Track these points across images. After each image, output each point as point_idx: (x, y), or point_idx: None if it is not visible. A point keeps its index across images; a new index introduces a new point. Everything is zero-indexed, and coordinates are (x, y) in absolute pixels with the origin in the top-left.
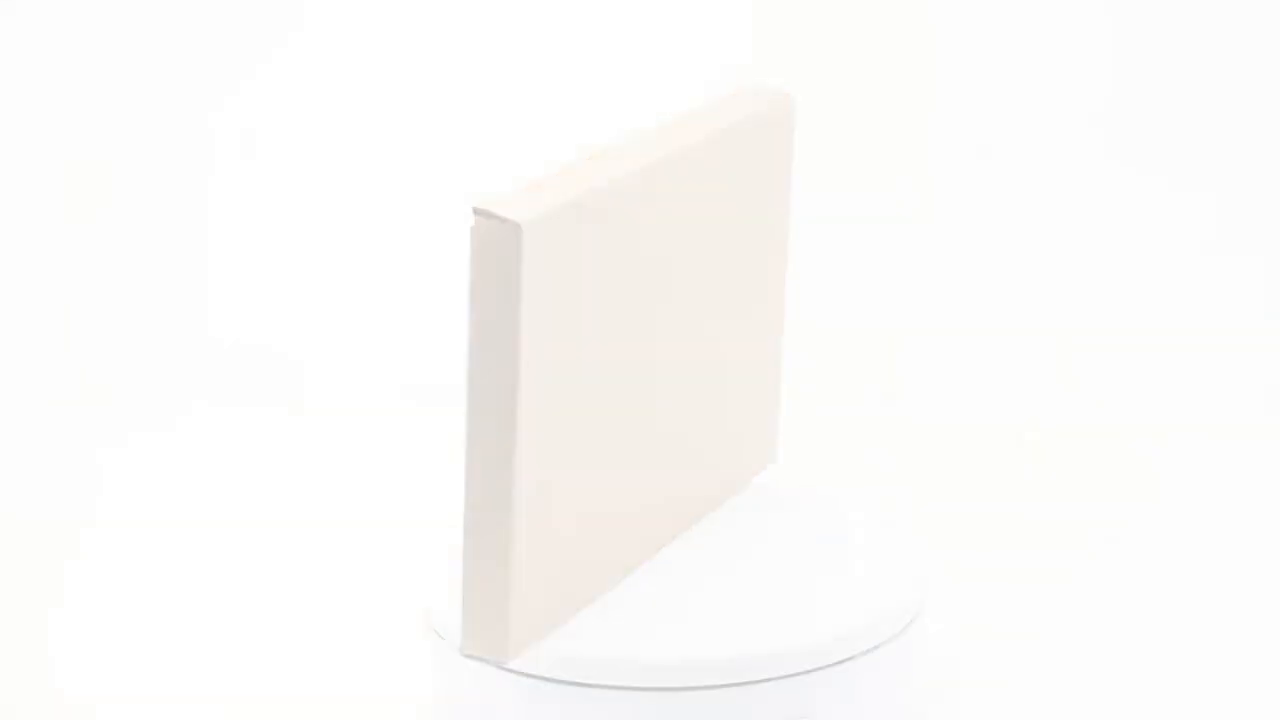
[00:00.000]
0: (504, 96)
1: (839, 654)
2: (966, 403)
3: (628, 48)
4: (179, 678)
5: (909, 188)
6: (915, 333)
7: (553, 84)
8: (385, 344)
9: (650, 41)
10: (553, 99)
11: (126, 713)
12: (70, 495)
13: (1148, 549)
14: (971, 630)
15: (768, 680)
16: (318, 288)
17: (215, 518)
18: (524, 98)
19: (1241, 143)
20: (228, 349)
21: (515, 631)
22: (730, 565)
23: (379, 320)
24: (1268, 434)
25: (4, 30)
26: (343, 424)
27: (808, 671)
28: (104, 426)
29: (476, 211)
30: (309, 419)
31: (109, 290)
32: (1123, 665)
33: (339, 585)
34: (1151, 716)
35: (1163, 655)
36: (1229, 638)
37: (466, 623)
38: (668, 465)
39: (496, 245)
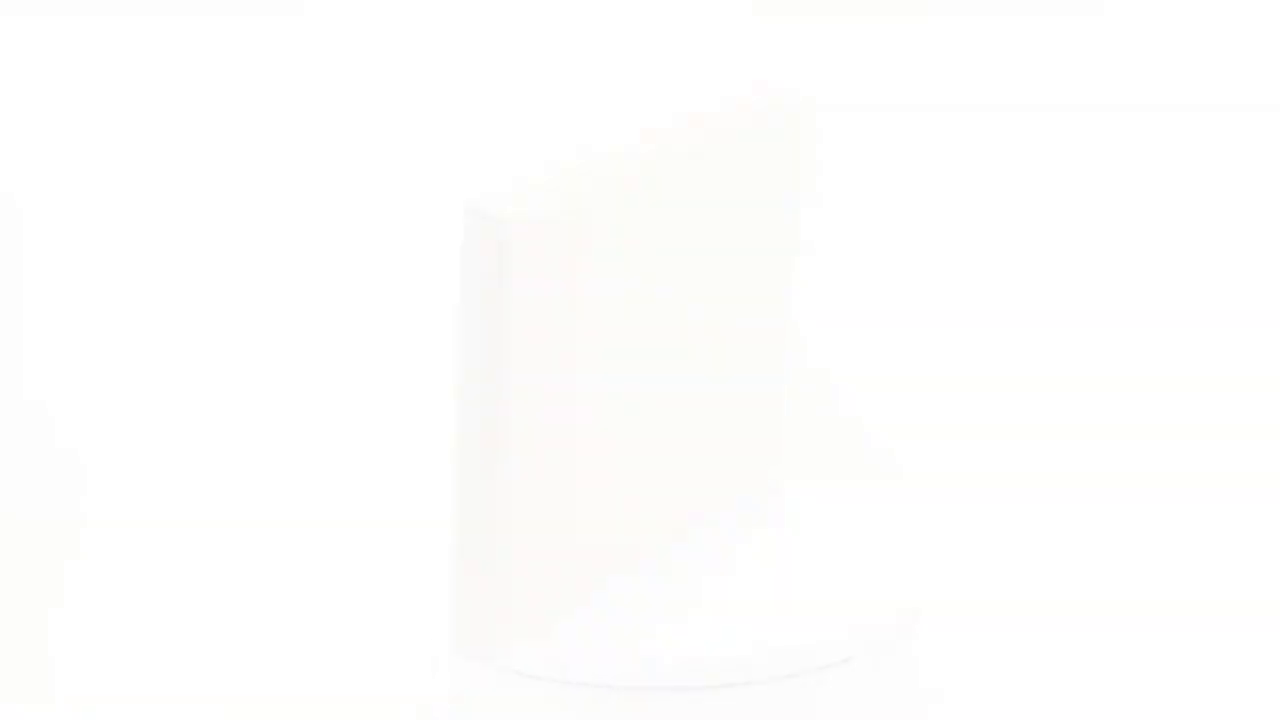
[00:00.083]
0: (504, 97)
1: (839, 654)
2: (966, 402)
3: (627, 49)
4: (179, 678)
5: (908, 188)
6: (914, 333)
7: (554, 84)
8: (381, 343)
9: (653, 42)
10: (554, 99)
11: (126, 713)
12: (70, 495)
13: (1148, 549)
14: (972, 629)
15: (768, 680)
16: (317, 288)
17: (215, 518)
18: (523, 98)
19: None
20: (222, 347)
21: (511, 630)
22: (730, 565)
23: (375, 320)
24: (1267, 434)
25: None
26: (342, 424)
27: (808, 671)
28: (104, 426)
29: (468, 210)
30: (308, 418)
31: (109, 290)
32: (1122, 665)
33: (338, 585)
34: (1151, 716)
35: (1162, 655)
36: (1229, 637)
37: (461, 621)
38: (666, 465)
39: (487, 243)
